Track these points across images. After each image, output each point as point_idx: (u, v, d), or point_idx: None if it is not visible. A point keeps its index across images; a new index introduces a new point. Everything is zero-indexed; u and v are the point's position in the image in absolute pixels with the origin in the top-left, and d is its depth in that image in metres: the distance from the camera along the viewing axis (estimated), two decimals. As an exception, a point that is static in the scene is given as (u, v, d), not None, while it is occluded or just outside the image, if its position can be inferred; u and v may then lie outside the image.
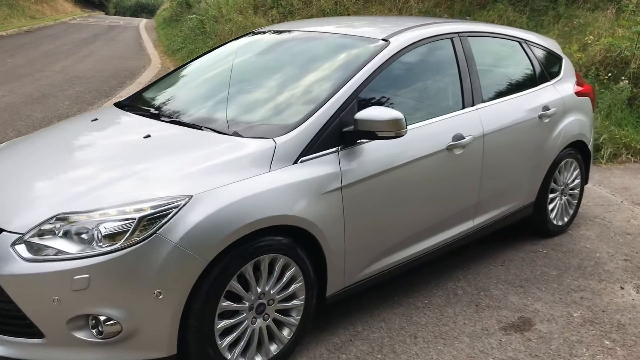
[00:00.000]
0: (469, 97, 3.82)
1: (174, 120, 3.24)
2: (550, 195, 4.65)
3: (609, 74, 8.21)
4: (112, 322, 2.48)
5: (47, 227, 2.50)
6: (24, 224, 2.53)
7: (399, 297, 3.77)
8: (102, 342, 2.51)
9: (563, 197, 4.80)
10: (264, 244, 2.77)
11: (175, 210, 2.52)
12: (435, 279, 4.02)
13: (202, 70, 4.03)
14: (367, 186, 3.16)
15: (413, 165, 3.39)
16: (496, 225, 4.27)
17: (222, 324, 2.71)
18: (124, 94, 9.79)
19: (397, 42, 3.53)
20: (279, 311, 2.95)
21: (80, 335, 2.50)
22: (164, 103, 3.65)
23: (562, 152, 4.60)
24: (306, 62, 3.66)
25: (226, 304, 2.70)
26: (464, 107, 3.79)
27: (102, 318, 2.48)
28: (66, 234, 2.50)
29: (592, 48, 8.84)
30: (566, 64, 4.83)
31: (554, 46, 4.86)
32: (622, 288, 4.00)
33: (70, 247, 2.48)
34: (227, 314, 2.75)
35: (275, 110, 3.25)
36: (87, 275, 2.42)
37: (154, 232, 2.47)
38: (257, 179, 2.76)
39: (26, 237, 2.50)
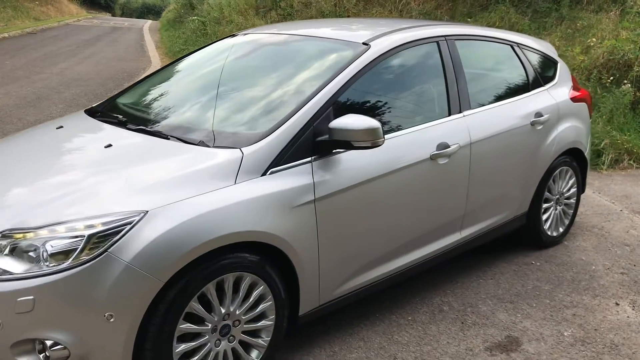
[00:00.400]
0: (455, 104, 3.64)
1: (141, 128, 3.07)
2: (544, 205, 4.46)
3: (611, 77, 7.99)
4: (59, 346, 2.33)
5: (-9, 244, 2.35)
6: None
7: (382, 313, 3.60)
8: (49, 368, 2.34)
9: (558, 207, 4.61)
10: (228, 262, 2.61)
11: (129, 226, 2.35)
12: (421, 294, 3.84)
13: (177, 75, 3.87)
14: (343, 199, 2.99)
15: (394, 175, 3.22)
16: (487, 237, 4.09)
17: (181, 347, 2.54)
18: (119, 97, 9.63)
19: (378, 47, 3.36)
20: (246, 332, 2.78)
21: (25, 360, 2.34)
22: (134, 110, 3.49)
23: (557, 160, 4.41)
24: (281, 67, 3.49)
25: (186, 326, 2.53)
26: (450, 114, 3.61)
27: (48, 342, 2.32)
28: (13, 252, 2.35)
29: (595, 51, 8.63)
30: (561, 68, 4.64)
31: (549, 49, 4.66)
32: (617, 304, 3.80)
33: (16, 266, 2.32)
34: (188, 337, 2.58)
35: (245, 118, 3.09)
36: (31, 297, 2.26)
37: (105, 251, 2.31)
38: (220, 192, 2.59)
39: None
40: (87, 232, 2.31)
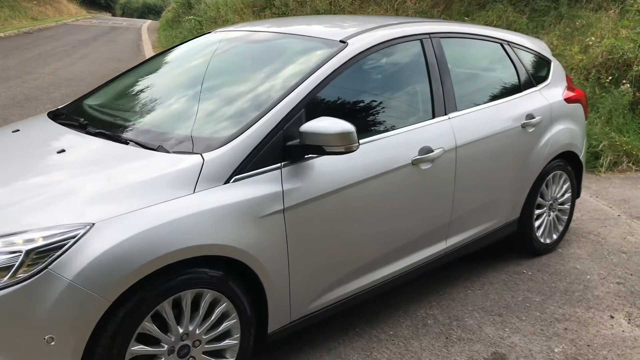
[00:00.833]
0: (440, 106, 3.43)
1: (100, 132, 2.87)
2: (537, 211, 4.25)
3: (610, 77, 7.77)
4: (-6, 372, 2.12)
5: None
6: None
7: (362, 327, 3.39)
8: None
9: (551, 213, 4.40)
10: (186, 277, 2.41)
11: (73, 241, 2.15)
12: (405, 306, 3.64)
13: (145, 75, 3.66)
14: (316, 208, 2.78)
15: (372, 182, 3.01)
16: (475, 245, 3.88)
17: (134, 371, 2.33)
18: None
19: (356, 45, 3.15)
20: (207, 353, 2.58)
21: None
22: (97, 112, 3.29)
23: (550, 164, 4.20)
24: (252, 67, 3.29)
25: (138, 348, 2.33)
26: (434, 117, 3.41)
27: (-18, 368, 2.12)
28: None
29: (594, 50, 8.41)
30: (555, 68, 4.42)
31: (542, 48, 4.45)
32: (611, 317, 3.59)
33: (-52, 284, 2.11)
34: None
35: (209, 121, 2.88)
36: (-37, 319, 2.05)
37: (45, 268, 2.11)
38: (177, 202, 2.39)
39: None
40: (25, 247, 2.11)
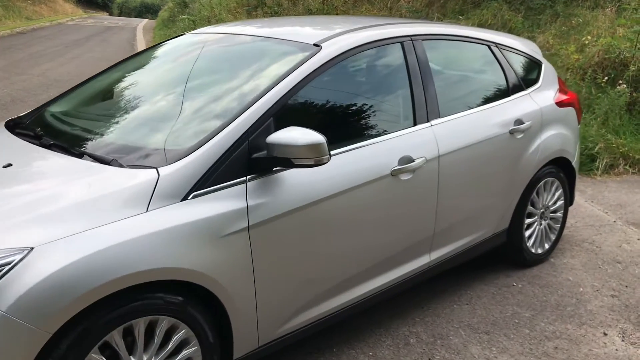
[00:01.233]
0: (422, 112, 3.24)
1: (54, 144, 2.67)
2: (527, 221, 4.06)
3: (606, 78, 7.57)
4: None
5: None
6: None
7: (340, 347, 3.20)
8: None
9: (543, 222, 4.20)
10: (138, 304, 2.21)
11: (7, 267, 1.96)
12: (387, 323, 3.45)
13: (110, 80, 3.45)
14: (285, 224, 2.59)
15: (348, 195, 2.82)
16: (462, 257, 3.69)
17: (80, 407, 2.14)
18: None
19: (331, 48, 2.96)
20: (165, 383, 2.38)
21: None
22: (57, 121, 3.09)
23: (541, 171, 4.01)
24: (219, 72, 3.09)
25: (85, 382, 2.13)
26: (415, 124, 3.21)
27: None
28: None
29: (590, 49, 8.21)
30: (546, 70, 4.23)
31: (532, 49, 4.25)
32: (604, 334, 3.40)
33: None
34: (90, 394, 2.18)
35: (169, 132, 2.68)
36: None
37: (-25, 299, 1.91)
38: (127, 222, 2.19)
39: None
40: (-47, 276, 1.92)
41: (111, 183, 2.30)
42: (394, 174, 3.00)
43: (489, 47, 3.85)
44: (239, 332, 2.54)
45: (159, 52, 3.60)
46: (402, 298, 3.63)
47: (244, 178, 2.49)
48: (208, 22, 16.04)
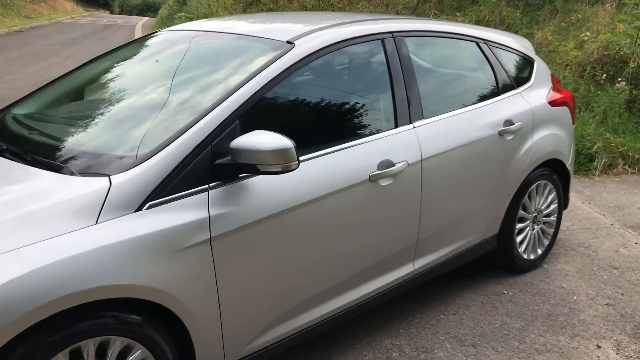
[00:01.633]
0: (404, 114, 3.06)
1: (8, 149, 2.50)
2: (519, 226, 3.88)
3: (605, 75, 7.37)
4: None
5: None
6: None
7: (317, 362, 3.03)
8: None
9: (535, 227, 4.03)
10: (87, 324, 2.04)
11: (-64, 288, 1.79)
12: (370, 334, 3.28)
13: (76, 82, 3.28)
14: (253, 235, 2.42)
15: (323, 202, 2.65)
16: (449, 265, 3.51)
17: None
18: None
19: (305, 46, 2.78)
20: (119, 408, 2.21)
21: None
22: (16, 124, 2.92)
23: (533, 174, 3.83)
24: (186, 72, 2.91)
25: (27, 409, 1.96)
26: (397, 126, 3.04)
27: None
28: None
29: (589, 45, 8.01)
30: (539, 68, 4.04)
31: (524, 46, 4.07)
32: (598, 347, 3.23)
33: None
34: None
35: (127, 136, 2.50)
36: None
37: None
38: (74, 235, 2.02)
39: None
40: None
41: (60, 192, 2.14)
42: (373, 179, 2.83)
43: (477, 44, 3.67)
44: (202, 351, 2.37)
45: (128, 51, 3.43)
46: (386, 307, 3.46)
47: (206, 186, 2.32)
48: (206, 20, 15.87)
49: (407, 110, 3.07)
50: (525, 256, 3.96)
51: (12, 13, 26.81)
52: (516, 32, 9.21)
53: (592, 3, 9.50)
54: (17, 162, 2.40)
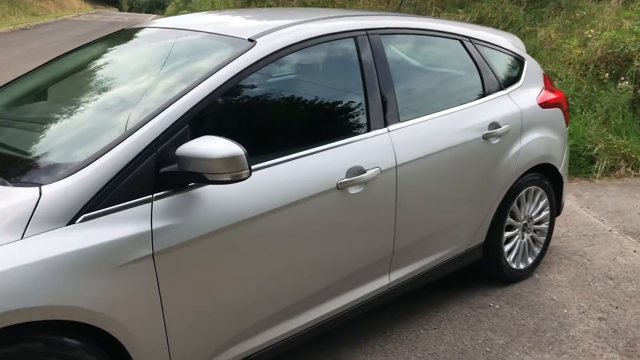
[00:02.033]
0: (377, 117, 2.87)
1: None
2: (507, 234, 3.67)
3: (607, 74, 7.12)
4: None
5: None
6: None
7: (284, 381, 2.84)
8: None
9: (525, 235, 3.82)
10: (10, 349, 1.86)
11: None
12: (342, 351, 3.09)
13: (29, 83, 3.10)
14: (201, 250, 2.24)
15: (282, 213, 2.46)
16: (429, 276, 3.32)
17: None
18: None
19: (267, 44, 2.59)
20: None
21: None
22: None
23: (522, 179, 3.63)
24: (136, 72, 2.73)
25: None
26: (369, 130, 2.84)
27: None
28: None
29: (593, 43, 7.76)
30: (529, 68, 3.83)
31: (514, 44, 3.85)
32: (586, 366, 3.02)
33: None
34: None
35: (63, 142, 2.32)
36: None
37: None
38: (-5, 252, 1.84)
39: None
40: None
41: (-16, 204, 1.95)
42: (341, 187, 2.63)
43: (462, 42, 3.46)
44: (146, 375, 2.18)
45: (88, 50, 3.24)
46: (365, 320, 3.27)
47: (150, 196, 2.14)
48: (208, 17, 15.76)
49: (381, 113, 2.88)
50: (514, 266, 3.76)
51: (19, 11, 26.79)
52: (519, 30, 8.98)
53: (597, 0, 9.24)
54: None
